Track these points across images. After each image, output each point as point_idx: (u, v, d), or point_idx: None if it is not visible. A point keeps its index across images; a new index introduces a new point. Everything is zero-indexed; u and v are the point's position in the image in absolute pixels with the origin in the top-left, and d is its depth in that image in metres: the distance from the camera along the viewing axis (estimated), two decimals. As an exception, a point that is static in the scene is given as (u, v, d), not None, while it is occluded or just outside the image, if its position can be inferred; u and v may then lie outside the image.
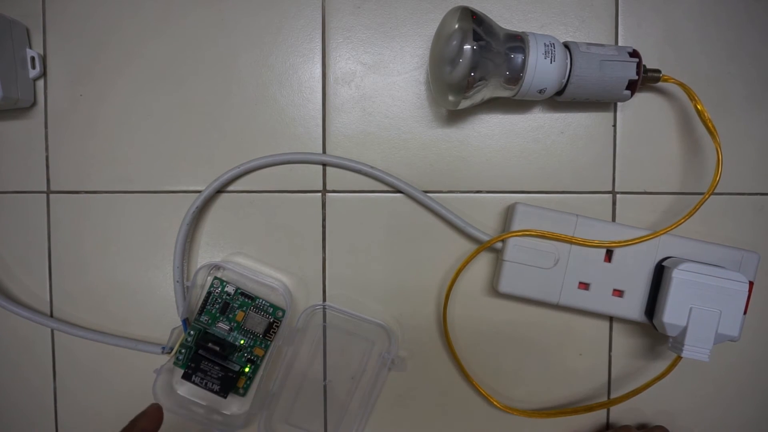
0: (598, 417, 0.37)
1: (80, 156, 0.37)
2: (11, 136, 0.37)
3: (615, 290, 0.33)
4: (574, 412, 0.35)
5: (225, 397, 0.35)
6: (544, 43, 0.30)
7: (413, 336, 0.36)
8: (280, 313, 0.35)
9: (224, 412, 0.36)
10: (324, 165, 0.36)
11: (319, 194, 0.36)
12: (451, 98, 0.31)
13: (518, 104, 0.35)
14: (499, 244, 0.34)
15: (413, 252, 0.36)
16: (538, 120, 0.36)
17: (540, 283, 0.33)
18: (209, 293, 0.35)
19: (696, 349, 0.31)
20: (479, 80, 0.30)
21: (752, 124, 0.36)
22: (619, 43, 0.35)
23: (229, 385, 0.35)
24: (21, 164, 0.37)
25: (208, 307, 0.35)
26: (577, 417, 0.36)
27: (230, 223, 0.36)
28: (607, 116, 0.36)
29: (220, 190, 0.36)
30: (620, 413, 0.37)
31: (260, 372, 0.36)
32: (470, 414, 0.37)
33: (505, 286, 0.33)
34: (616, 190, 0.36)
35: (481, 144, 0.36)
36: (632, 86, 0.32)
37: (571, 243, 0.33)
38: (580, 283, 0.33)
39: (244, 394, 0.36)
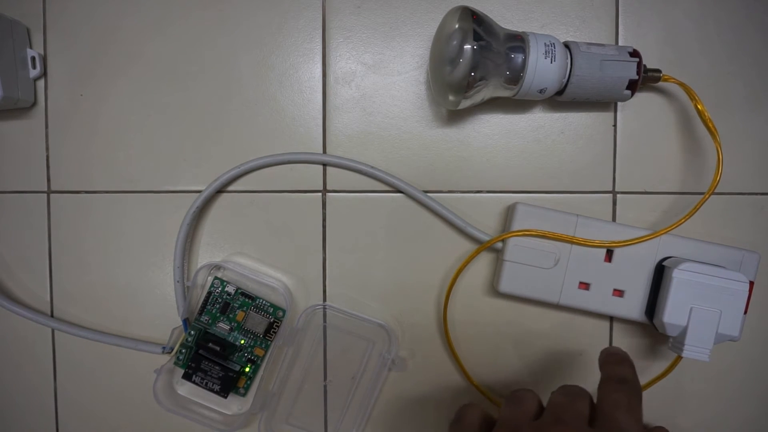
0: (599, 417, 0.37)
1: (81, 156, 0.37)
2: (12, 136, 0.37)
3: (615, 290, 0.33)
4: (575, 412, 0.35)
5: (225, 397, 0.35)
6: (545, 43, 0.30)
7: (413, 336, 0.36)
8: (281, 313, 0.35)
9: (224, 412, 0.36)
10: (324, 165, 0.36)
11: (320, 194, 0.36)
12: (451, 98, 0.31)
13: (518, 104, 0.36)
14: (499, 244, 0.34)
15: (413, 252, 0.36)
16: (539, 120, 0.36)
17: (540, 282, 0.33)
18: (209, 293, 0.35)
19: (696, 349, 0.31)
20: (479, 80, 0.30)
21: (753, 124, 0.36)
22: (620, 43, 0.35)
23: (229, 385, 0.35)
24: (21, 164, 0.37)
25: (209, 307, 0.35)
26: (578, 417, 0.36)
27: (230, 223, 0.36)
28: (608, 116, 0.36)
29: (220, 190, 0.36)
30: (620, 413, 0.37)
31: (260, 372, 0.36)
32: (470, 414, 0.37)
33: (505, 286, 0.33)
34: (617, 189, 0.36)
35: (482, 144, 0.36)
36: (632, 86, 0.32)
37: (572, 243, 0.33)
38: (581, 283, 0.33)
39: (244, 394, 0.36)
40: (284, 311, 0.35)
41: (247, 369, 0.36)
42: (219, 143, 0.36)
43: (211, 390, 0.35)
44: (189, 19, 0.36)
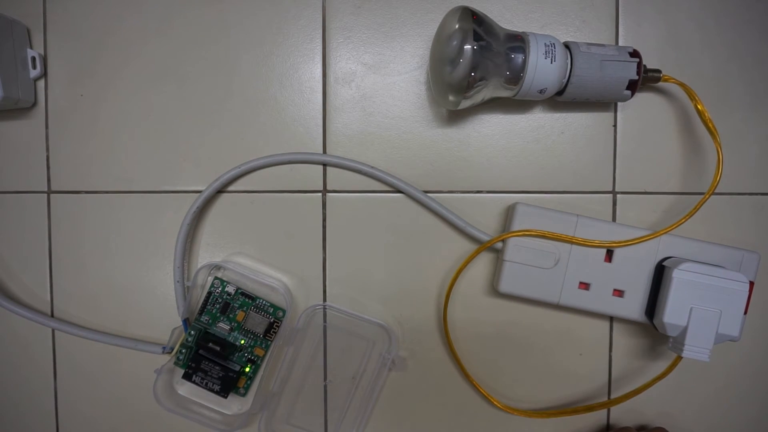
0: (599, 417, 0.37)
1: (81, 156, 0.37)
2: (12, 136, 0.37)
3: (615, 290, 0.33)
4: (574, 412, 0.35)
5: (225, 397, 0.35)
6: (545, 43, 0.30)
7: (413, 336, 0.36)
8: (281, 313, 0.35)
9: (225, 412, 0.36)
10: (324, 165, 0.36)
11: (320, 194, 0.36)
12: (451, 98, 0.31)
13: (518, 104, 0.35)
14: (499, 244, 0.34)
15: (413, 252, 0.36)
16: (539, 120, 0.36)
17: (540, 283, 0.33)
18: (210, 293, 0.35)
19: (696, 349, 0.31)
20: (480, 80, 0.30)
21: (753, 124, 0.36)
22: (620, 43, 0.35)
23: (229, 385, 0.35)
24: (21, 164, 0.37)
25: (209, 307, 0.35)
26: (577, 417, 0.36)
27: (230, 223, 0.36)
28: (608, 116, 0.36)
29: (220, 190, 0.36)
30: (620, 413, 0.37)
31: (261, 372, 0.36)
32: (470, 414, 0.37)
33: (505, 286, 0.33)
34: (617, 190, 0.36)
35: (482, 144, 0.36)
36: (632, 86, 0.32)
37: (572, 243, 0.33)
38: (581, 283, 0.33)
39: (244, 394, 0.36)
40: (284, 311, 0.35)
41: (247, 369, 0.36)
42: (219, 143, 0.36)
43: (211, 390, 0.35)
44: (189, 19, 0.36)
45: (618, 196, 0.36)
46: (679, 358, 0.32)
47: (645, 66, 0.32)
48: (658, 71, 0.33)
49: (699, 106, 0.32)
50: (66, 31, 0.36)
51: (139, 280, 0.37)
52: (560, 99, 0.33)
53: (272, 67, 0.36)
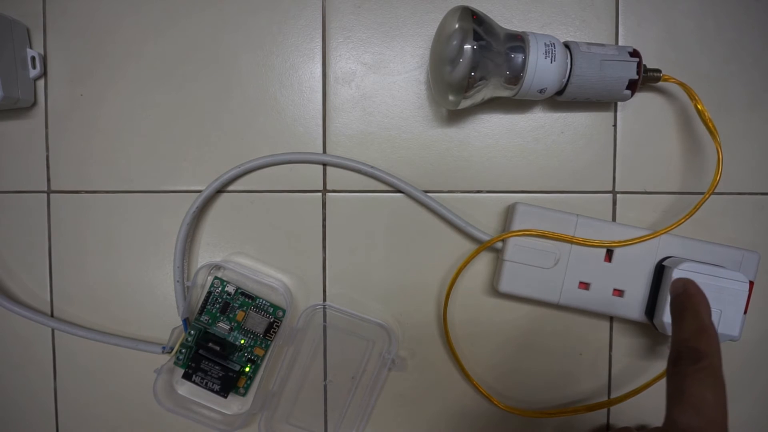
0: (599, 417, 0.37)
1: (81, 156, 0.37)
2: (12, 136, 0.37)
3: (615, 290, 0.33)
4: (574, 412, 0.35)
5: (225, 397, 0.35)
6: (545, 43, 0.30)
7: (413, 336, 0.36)
8: (281, 313, 0.35)
9: (224, 411, 0.36)
10: (324, 165, 0.36)
11: (320, 194, 0.36)
12: (451, 98, 0.31)
13: (518, 104, 0.36)
14: (499, 244, 0.34)
15: (413, 252, 0.36)
16: (539, 120, 0.36)
17: (540, 282, 0.33)
18: (209, 293, 0.35)
19: (696, 348, 0.31)
20: (479, 80, 0.30)
21: (753, 124, 0.36)
22: (620, 43, 0.35)
23: (229, 384, 0.35)
24: (21, 164, 0.37)
25: (209, 306, 0.35)
26: (577, 417, 0.36)
27: (230, 223, 0.36)
28: (608, 116, 0.36)
29: (220, 190, 0.36)
30: (620, 413, 0.37)
31: (260, 372, 0.36)
32: (470, 414, 0.37)
33: (505, 286, 0.33)
34: (617, 189, 0.36)
35: (482, 144, 0.36)
36: (632, 86, 0.32)
37: (572, 243, 0.33)
38: (581, 282, 0.33)
39: (244, 394, 0.36)
40: (284, 311, 0.35)
41: (247, 369, 0.36)
42: (219, 143, 0.36)
43: (211, 390, 0.35)
44: (189, 19, 0.36)
45: (618, 195, 0.36)
46: (679, 357, 0.31)
47: (645, 66, 0.32)
48: (658, 71, 0.33)
49: (699, 106, 0.32)
50: (66, 31, 0.36)
51: (139, 280, 0.37)
52: (560, 99, 0.33)
53: (272, 67, 0.36)
